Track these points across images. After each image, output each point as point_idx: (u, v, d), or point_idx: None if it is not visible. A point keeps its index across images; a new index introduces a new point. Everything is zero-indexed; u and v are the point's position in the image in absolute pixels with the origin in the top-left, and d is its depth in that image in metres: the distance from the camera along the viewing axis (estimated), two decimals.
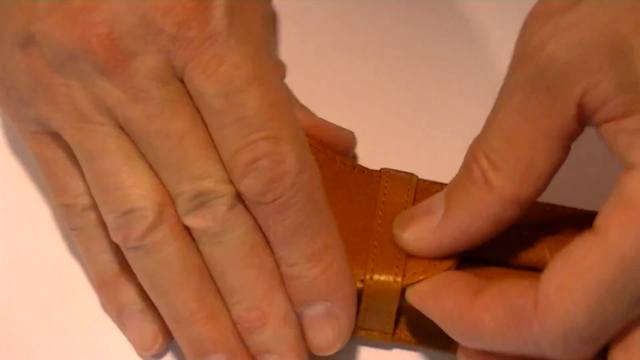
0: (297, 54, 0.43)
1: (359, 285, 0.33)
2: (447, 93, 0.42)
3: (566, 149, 0.29)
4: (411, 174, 0.36)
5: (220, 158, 0.30)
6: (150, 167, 0.31)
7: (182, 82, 0.30)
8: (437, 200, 0.32)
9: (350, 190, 0.35)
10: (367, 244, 0.33)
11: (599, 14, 0.26)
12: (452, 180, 0.31)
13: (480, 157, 0.29)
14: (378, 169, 0.36)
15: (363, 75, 0.43)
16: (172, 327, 0.32)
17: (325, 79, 0.42)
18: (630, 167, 0.26)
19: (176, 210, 0.31)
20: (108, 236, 0.32)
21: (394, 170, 0.36)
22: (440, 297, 0.30)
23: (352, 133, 0.38)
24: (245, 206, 0.31)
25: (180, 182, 0.30)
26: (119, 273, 0.33)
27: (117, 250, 0.33)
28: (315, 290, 0.31)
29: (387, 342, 0.35)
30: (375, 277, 0.33)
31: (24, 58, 0.31)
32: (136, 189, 0.30)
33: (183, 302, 0.31)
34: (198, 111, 0.30)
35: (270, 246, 0.31)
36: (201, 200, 0.30)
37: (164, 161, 0.30)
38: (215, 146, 0.30)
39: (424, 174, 0.37)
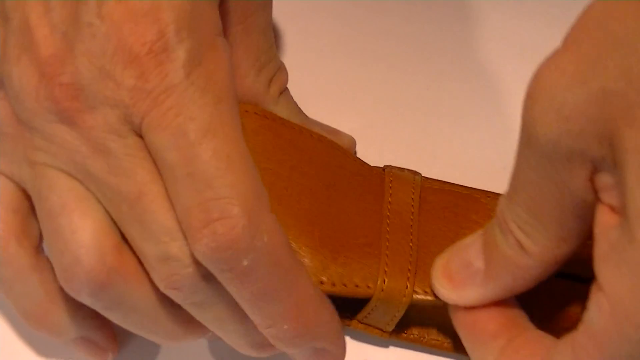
0: (297, 53, 0.43)
1: (368, 290, 0.33)
2: (447, 93, 0.42)
3: (591, 205, 0.28)
4: (414, 172, 0.36)
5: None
6: (106, 213, 0.29)
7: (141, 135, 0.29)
8: (474, 253, 0.32)
9: (354, 188, 0.35)
10: (378, 246, 0.33)
11: (603, 102, 0.25)
12: (487, 236, 0.31)
13: (513, 228, 0.29)
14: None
15: (363, 75, 0.43)
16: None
17: (325, 78, 0.42)
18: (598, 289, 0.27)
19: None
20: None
21: (396, 168, 0.36)
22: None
23: (350, 137, 0.38)
24: None
25: (144, 241, 0.28)
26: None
27: None
28: (298, 341, 0.30)
29: (384, 339, 0.35)
30: (388, 282, 0.33)
31: None
32: (79, 234, 0.29)
33: (164, 334, 0.31)
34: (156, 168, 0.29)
35: None
36: (169, 270, 0.28)
37: (125, 216, 0.29)
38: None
39: (425, 173, 0.37)
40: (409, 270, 0.33)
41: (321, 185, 0.34)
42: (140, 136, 0.28)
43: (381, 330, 0.35)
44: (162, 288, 0.29)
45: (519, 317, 0.32)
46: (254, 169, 0.28)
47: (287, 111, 0.36)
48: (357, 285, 0.33)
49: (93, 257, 0.28)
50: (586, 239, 0.29)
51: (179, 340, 0.32)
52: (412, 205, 0.34)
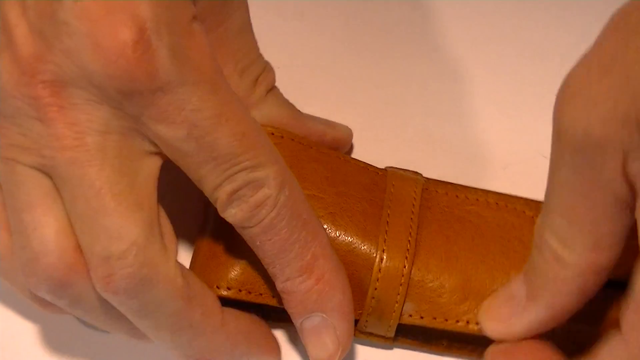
0: (297, 53, 0.43)
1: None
2: (447, 93, 0.42)
3: (631, 210, 0.28)
4: (416, 172, 0.36)
5: (139, 217, 0.29)
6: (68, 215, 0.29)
7: (131, 131, 0.29)
8: (517, 285, 0.32)
9: (356, 188, 0.35)
10: (377, 230, 0.34)
11: (627, 86, 0.26)
12: (527, 264, 0.32)
13: (548, 238, 0.30)
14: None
15: (363, 75, 0.43)
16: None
17: (324, 78, 0.42)
18: None
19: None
20: None
21: (398, 168, 0.36)
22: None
23: (347, 127, 0.38)
24: (162, 268, 0.29)
25: (92, 237, 0.29)
26: None
27: None
28: (309, 303, 0.32)
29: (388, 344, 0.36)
30: (386, 260, 0.33)
31: None
32: (40, 230, 0.29)
33: (128, 331, 0.31)
34: (129, 162, 0.29)
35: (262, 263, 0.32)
36: (110, 269, 0.28)
37: (80, 214, 0.29)
38: (135, 203, 0.29)
39: (425, 172, 0.37)
40: (407, 250, 0.33)
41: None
42: (125, 132, 0.29)
43: (383, 337, 0.35)
44: (99, 289, 0.29)
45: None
46: (267, 138, 0.31)
47: (277, 109, 0.36)
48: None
49: (52, 255, 0.29)
50: (620, 251, 0.29)
51: (145, 339, 0.32)
52: (414, 198, 0.35)
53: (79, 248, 0.29)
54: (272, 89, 0.36)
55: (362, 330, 0.35)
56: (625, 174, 0.27)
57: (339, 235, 0.33)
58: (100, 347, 0.36)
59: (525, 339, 0.32)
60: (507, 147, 0.41)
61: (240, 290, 0.33)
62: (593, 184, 0.28)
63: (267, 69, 0.36)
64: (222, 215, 0.30)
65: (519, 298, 0.32)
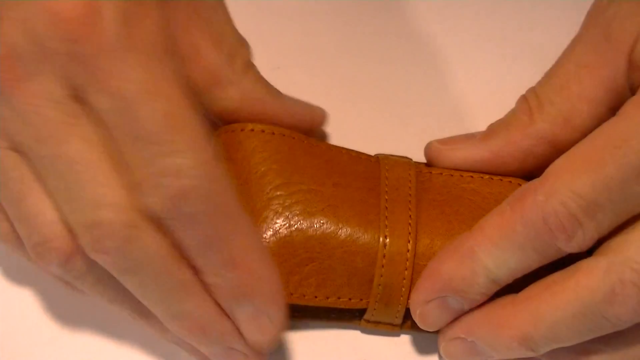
0: (297, 53, 0.43)
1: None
2: (446, 93, 0.43)
3: (609, 109, 0.31)
4: (405, 157, 0.37)
5: (117, 182, 0.29)
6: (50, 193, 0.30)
7: (79, 101, 0.29)
8: (479, 132, 0.35)
9: (352, 177, 0.35)
10: (377, 216, 0.34)
11: None
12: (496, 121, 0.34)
13: (530, 96, 0.33)
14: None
15: (363, 75, 0.43)
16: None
17: (324, 78, 0.43)
18: None
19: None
20: None
21: (388, 154, 0.37)
22: None
23: (322, 109, 0.38)
24: (148, 229, 0.29)
25: (74, 211, 0.29)
26: None
27: None
28: (238, 293, 0.31)
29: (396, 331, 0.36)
30: (390, 240, 0.34)
31: None
32: (41, 216, 0.29)
33: (131, 306, 0.32)
34: (95, 130, 0.29)
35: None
36: (98, 234, 0.28)
37: (58, 187, 0.29)
38: (111, 168, 0.29)
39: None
40: (409, 233, 0.34)
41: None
42: (77, 100, 0.28)
43: (391, 324, 0.35)
44: (89, 252, 0.29)
45: None
46: (197, 121, 0.29)
47: (256, 86, 0.35)
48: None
49: (59, 234, 0.29)
50: (576, 141, 0.30)
51: (156, 323, 0.32)
52: (410, 181, 0.35)
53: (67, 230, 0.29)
54: (251, 66, 0.36)
55: (369, 319, 0.35)
56: (631, 61, 0.30)
57: (341, 227, 0.34)
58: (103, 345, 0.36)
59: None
60: None
61: None
62: (600, 58, 0.31)
63: (243, 44, 0.36)
64: (143, 200, 0.28)
65: (476, 137, 0.34)
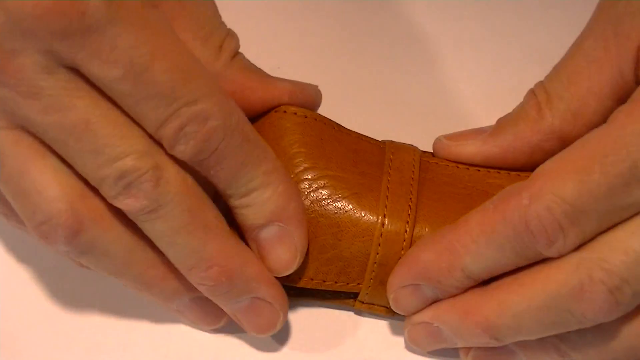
0: (297, 53, 0.44)
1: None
2: (447, 93, 0.43)
3: (617, 105, 0.30)
4: (411, 145, 0.37)
5: (134, 132, 0.30)
6: (63, 161, 0.30)
7: (74, 69, 0.29)
8: (487, 126, 0.35)
9: (376, 167, 0.35)
10: (378, 194, 0.34)
11: None
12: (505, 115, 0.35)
13: (539, 91, 0.33)
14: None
15: (363, 75, 0.43)
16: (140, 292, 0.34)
17: (324, 78, 0.43)
18: None
19: (102, 197, 0.30)
20: None
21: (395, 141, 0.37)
22: None
23: (315, 87, 0.38)
24: (172, 170, 0.30)
25: (100, 167, 0.29)
26: None
27: None
28: (267, 213, 0.32)
29: (389, 317, 0.36)
30: (388, 223, 0.34)
31: None
32: (45, 193, 0.30)
33: (136, 277, 0.32)
34: (98, 91, 0.29)
35: (215, 188, 0.32)
36: (127, 181, 0.29)
37: (75, 151, 0.29)
38: (125, 121, 0.30)
39: None
40: (408, 215, 0.34)
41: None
42: (72, 68, 0.28)
43: (385, 307, 0.35)
44: (118, 202, 0.30)
45: None
46: (201, 66, 0.30)
47: (243, 73, 0.36)
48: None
49: (64, 210, 0.30)
50: (583, 134, 0.30)
51: (161, 292, 0.33)
52: (413, 165, 0.35)
53: (83, 193, 0.30)
54: (238, 56, 0.36)
55: (363, 300, 0.35)
56: (638, 57, 0.30)
57: (364, 215, 0.34)
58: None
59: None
60: None
61: None
62: (609, 52, 0.31)
63: (230, 34, 0.36)
64: (171, 153, 0.30)
65: (484, 133, 0.35)
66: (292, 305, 0.37)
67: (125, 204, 0.30)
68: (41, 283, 0.37)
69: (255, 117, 0.36)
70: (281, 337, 0.36)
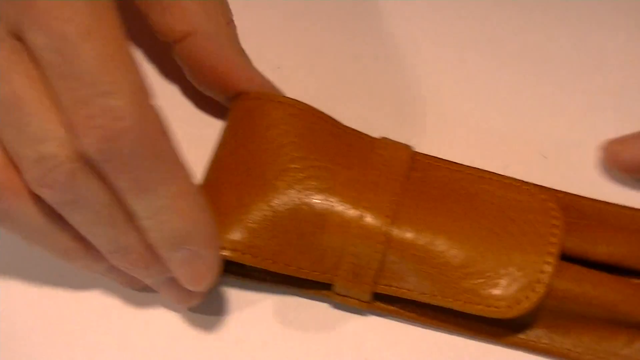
0: (296, 52, 0.43)
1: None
2: (446, 93, 0.43)
3: None
4: (406, 144, 0.37)
5: (63, 119, 0.29)
6: None
7: (20, 39, 0.28)
8: None
9: (347, 149, 0.36)
10: (362, 188, 0.34)
11: None
12: None
13: None
14: None
15: (363, 75, 0.43)
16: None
17: (324, 78, 0.43)
18: None
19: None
20: None
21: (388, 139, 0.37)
22: None
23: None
24: (89, 165, 0.29)
25: (21, 145, 0.29)
26: None
27: None
28: (173, 239, 0.31)
29: (363, 309, 0.36)
30: (366, 219, 0.34)
31: None
32: None
33: (55, 250, 0.32)
34: (38, 71, 0.29)
35: None
36: (45, 166, 0.29)
37: (2, 123, 0.29)
38: (54, 105, 0.29)
39: None
40: (390, 210, 0.34)
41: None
42: (18, 38, 0.28)
43: (359, 300, 0.35)
44: (34, 188, 0.29)
45: None
46: (134, 65, 0.29)
47: (230, 43, 0.36)
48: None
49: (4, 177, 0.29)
50: None
51: (84, 262, 0.33)
52: (402, 162, 0.36)
53: (6, 164, 0.29)
54: (231, 24, 0.36)
55: (339, 292, 0.35)
56: None
57: (346, 208, 0.34)
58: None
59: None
60: (507, 147, 0.41)
61: (243, 254, 0.34)
62: None
63: (224, 1, 0.36)
64: (79, 145, 0.28)
65: None
66: (281, 300, 0.37)
67: (42, 192, 0.29)
68: (41, 283, 0.37)
69: (249, 101, 0.36)
70: (279, 337, 0.36)
